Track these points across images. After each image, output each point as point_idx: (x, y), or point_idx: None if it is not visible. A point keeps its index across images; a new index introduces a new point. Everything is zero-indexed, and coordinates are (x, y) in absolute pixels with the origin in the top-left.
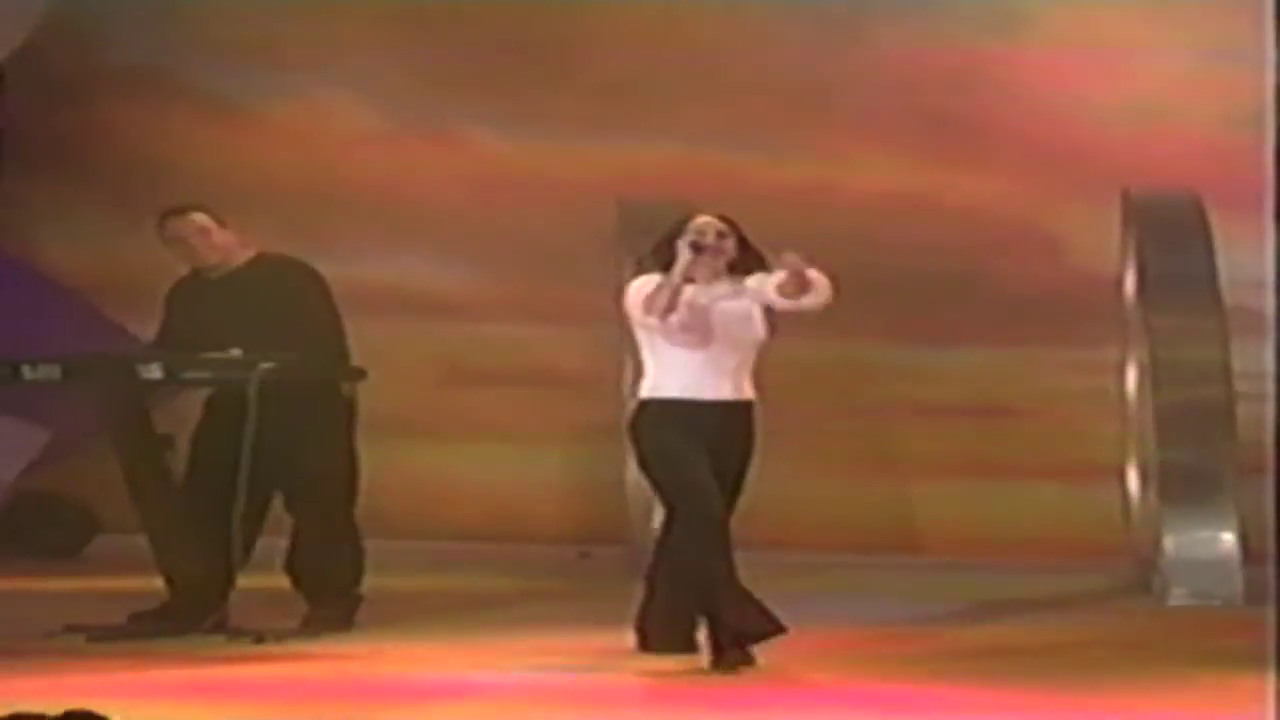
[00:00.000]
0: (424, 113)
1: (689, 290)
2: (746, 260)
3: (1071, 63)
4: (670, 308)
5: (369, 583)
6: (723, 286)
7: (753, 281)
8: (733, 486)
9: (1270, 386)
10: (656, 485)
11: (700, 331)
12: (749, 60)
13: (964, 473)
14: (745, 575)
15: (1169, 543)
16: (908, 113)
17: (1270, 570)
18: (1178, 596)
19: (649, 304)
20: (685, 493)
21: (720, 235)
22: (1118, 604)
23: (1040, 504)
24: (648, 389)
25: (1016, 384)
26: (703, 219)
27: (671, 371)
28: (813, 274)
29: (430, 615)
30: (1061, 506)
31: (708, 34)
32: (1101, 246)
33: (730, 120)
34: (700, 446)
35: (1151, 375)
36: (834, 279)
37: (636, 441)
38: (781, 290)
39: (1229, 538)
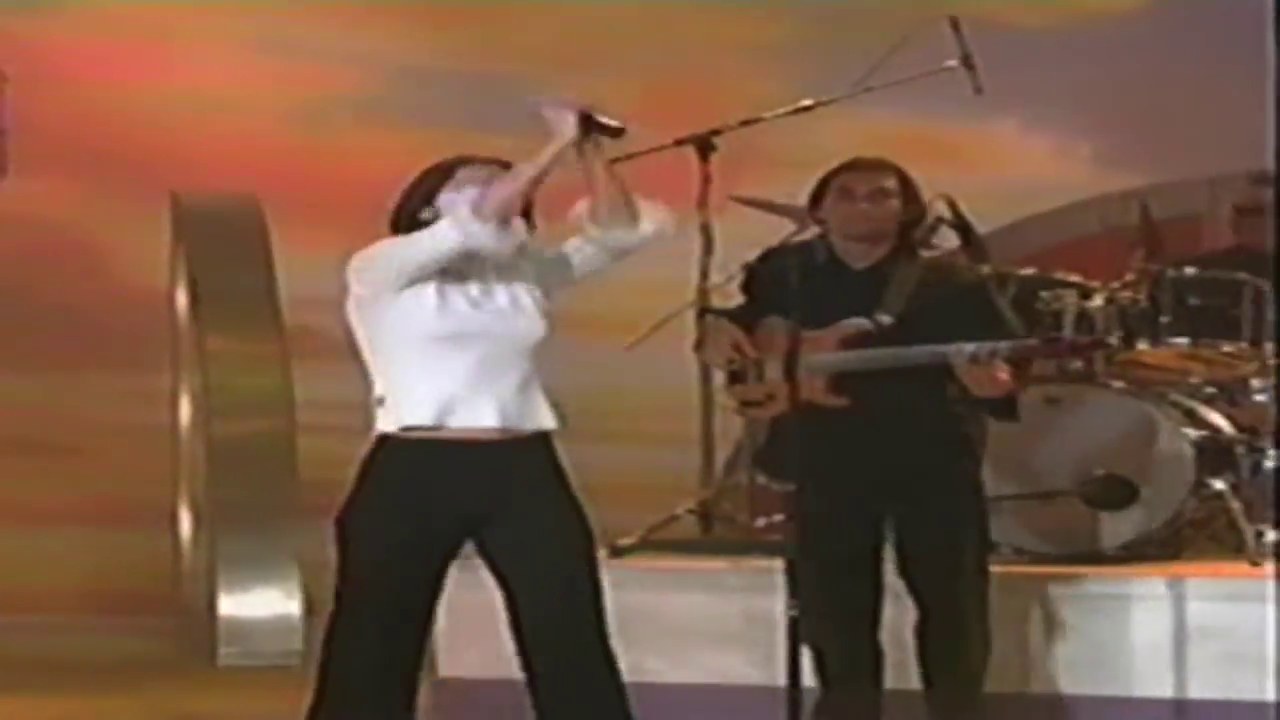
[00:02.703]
0: None
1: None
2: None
3: (114, 50)
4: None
5: None
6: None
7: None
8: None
9: None
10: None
11: (464, 329)
12: None
13: None
14: None
15: (221, 594)
16: None
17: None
18: (228, 656)
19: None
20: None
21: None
22: (166, 664)
23: (82, 552)
24: (392, 420)
25: (57, 416)
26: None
27: (424, 390)
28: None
29: None
30: (107, 554)
31: None
32: (153, 258)
33: None
34: (450, 530)
35: (204, 405)
36: None
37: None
38: (597, 217)
39: (286, 589)
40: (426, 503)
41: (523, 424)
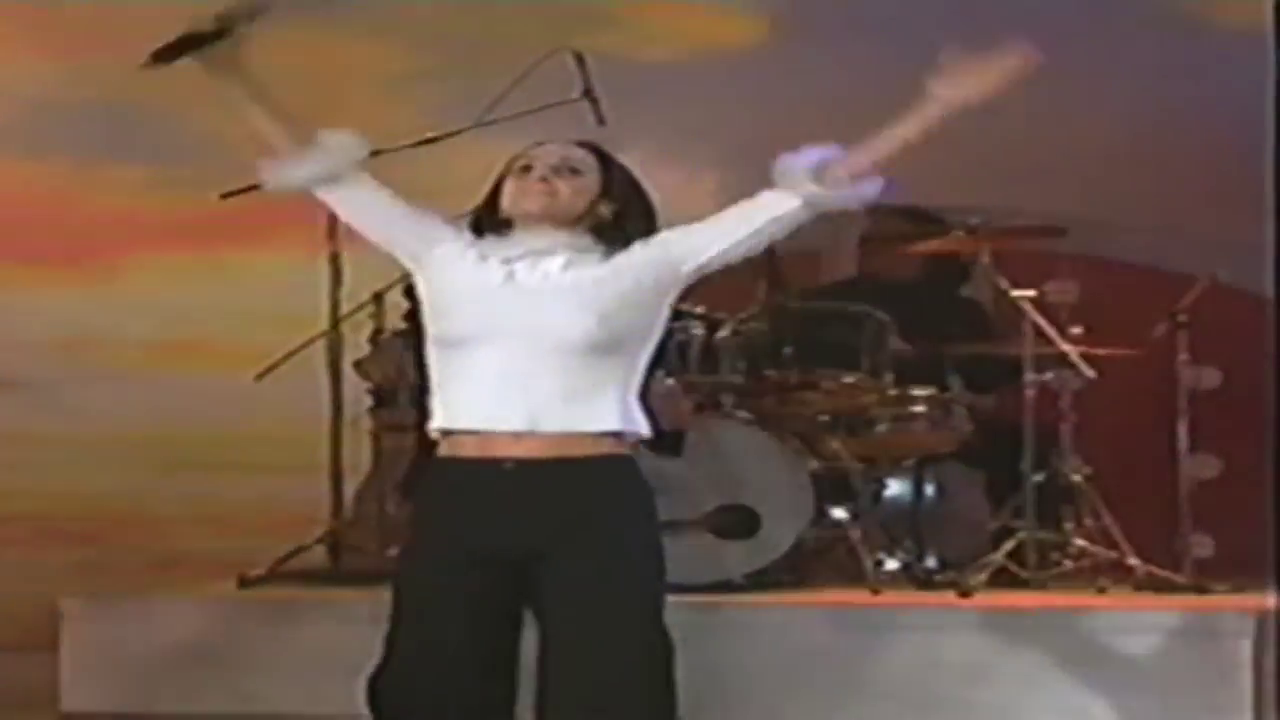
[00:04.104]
0: None
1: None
2: (621, 223)
3: None
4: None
5: None
6: (557, 242)
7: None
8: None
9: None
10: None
11: (508, 323)
12: None
13: None
14: None
15: None
16: None
17: None
18: None
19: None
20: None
21: (569, 170)
22: None
23: None
24: (438, 419)
25: None
26: (545, 146)
27: (464, 392)
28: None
29: None
30: None
31: None
32: None
33: None
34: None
35: None
36: None
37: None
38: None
39: None
40: (460, 531)
41: (565, 442)
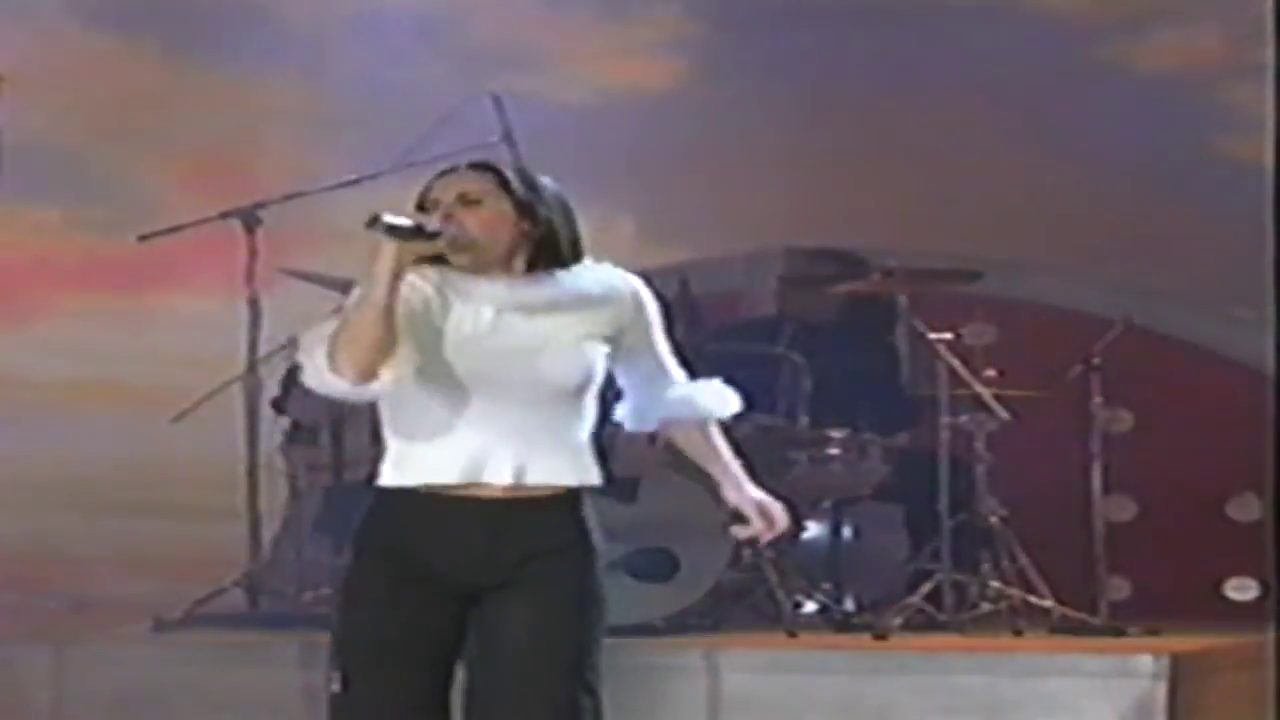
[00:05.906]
0: None
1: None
2: (555, 238)
3: None
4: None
5: None
6: (506, 283)
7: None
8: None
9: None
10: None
11: (465, 369)
12: None
13: None
14: None
15: None
16: None
17: None
18: None
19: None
20: None
21: (465, 200)
22: None
23: None
24: (386, 471)
25: None
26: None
27: (420, 439)
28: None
29: None
30: None
31: None
32: None
33: None
34: (441, 608)
35: None
36: None
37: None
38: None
39: None
40: (413, 557)
41: (533, 481)
